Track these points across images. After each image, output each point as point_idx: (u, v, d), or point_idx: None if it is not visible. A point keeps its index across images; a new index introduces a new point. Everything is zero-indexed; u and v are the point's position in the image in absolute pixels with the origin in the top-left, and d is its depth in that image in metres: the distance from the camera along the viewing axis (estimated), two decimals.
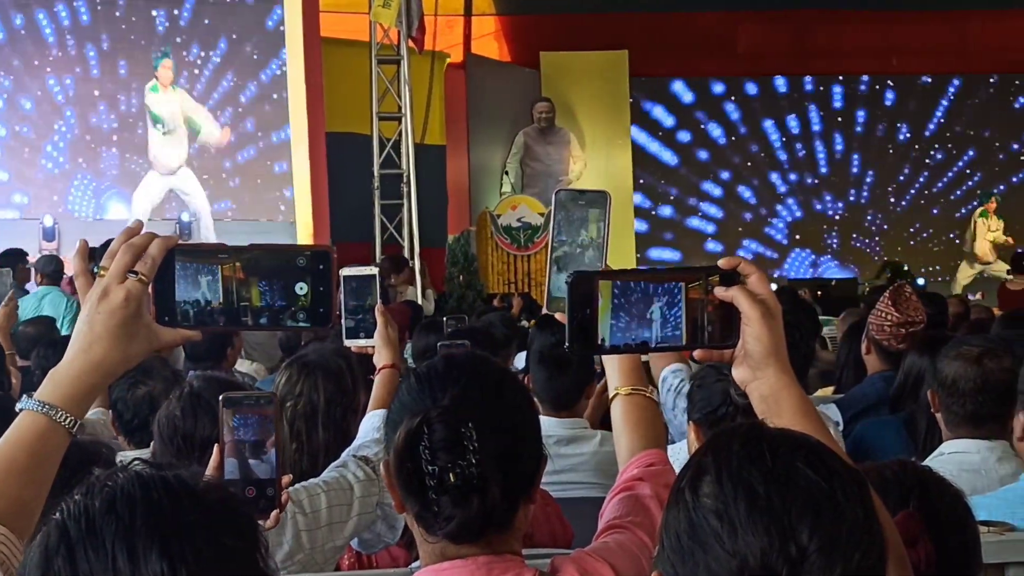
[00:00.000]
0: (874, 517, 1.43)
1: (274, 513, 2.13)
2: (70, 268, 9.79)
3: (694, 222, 18.52)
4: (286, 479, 2.17)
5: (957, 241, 17.94)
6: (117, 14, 13.54)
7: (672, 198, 18.44)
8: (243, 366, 6.35)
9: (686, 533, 1.42)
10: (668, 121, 18.48)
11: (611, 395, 2.22)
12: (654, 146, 18.43)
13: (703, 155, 18.54)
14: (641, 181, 18.07)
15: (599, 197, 2.04)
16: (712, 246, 18.39)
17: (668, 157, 18.50)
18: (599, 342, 1.72)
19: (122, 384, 4.11)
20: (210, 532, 1.29)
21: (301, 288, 1.75)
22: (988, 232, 17.00)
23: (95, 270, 1.75)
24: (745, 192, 18.60)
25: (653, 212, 18.35)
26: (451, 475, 1.79)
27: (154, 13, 13.62)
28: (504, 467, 1.82)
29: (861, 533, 1.40)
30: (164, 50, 13.52)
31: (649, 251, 18.05)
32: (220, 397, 2.13)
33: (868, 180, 18.70)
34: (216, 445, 2.12)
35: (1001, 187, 17.70)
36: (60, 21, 13.39)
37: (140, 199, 13.38)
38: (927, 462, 3.20)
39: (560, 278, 1.94)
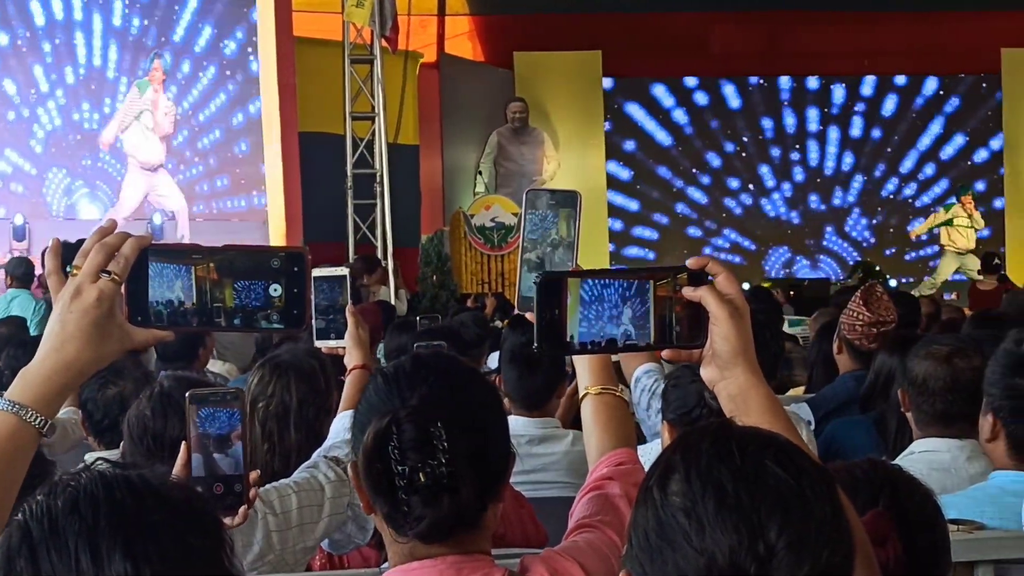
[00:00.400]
0: (842, 515, 1.43)
1: (242, 509, 2.11)
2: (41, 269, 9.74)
3: (680, 207, 18.55)
4: (254, 475, 2.15)
5: (932, 259, 17.92)
6: (113, 15, 13.50)
7: (658, 181, 18.51)
8: (215, 366, 6.33)
9: (654, 531, 1.42)
10: (669, 101, 18.51)
11: (581, 395, 2.22)
12: (650, 124, 18.44)
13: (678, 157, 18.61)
14: (625, 160, 18.17)
15: (569, 197, 2.04)
16: (694, 231, 18.47)
17: (662, 138, 18.55)
18: (567, 341, 1.72)
19: (92, 384, 4.09)
20: (175, 531, 1.28)
21: (275, 290, 1.73)
22: (959, 219, 16.91)
23: (68, 269, 1.73)
24: (733, 182, 18.62)
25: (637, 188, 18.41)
26: (421, 475, 1.78)
27: (135, 21, 13.57)
28: (474, 466, 1.82)
29: (830, 531, 1.40)
30: (158, 51, 13.50)
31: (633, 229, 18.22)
32: (187, 394, 2.11)
33: (855, 184, 18.71)
34: (183, 443, 2.10)
35: (981, 209, 17.62)
36: (53, 15, 13.32)
37: (125, 197, 13.33)
38: (897, 461, 3.19)
39: (530, 278, 1.93)
